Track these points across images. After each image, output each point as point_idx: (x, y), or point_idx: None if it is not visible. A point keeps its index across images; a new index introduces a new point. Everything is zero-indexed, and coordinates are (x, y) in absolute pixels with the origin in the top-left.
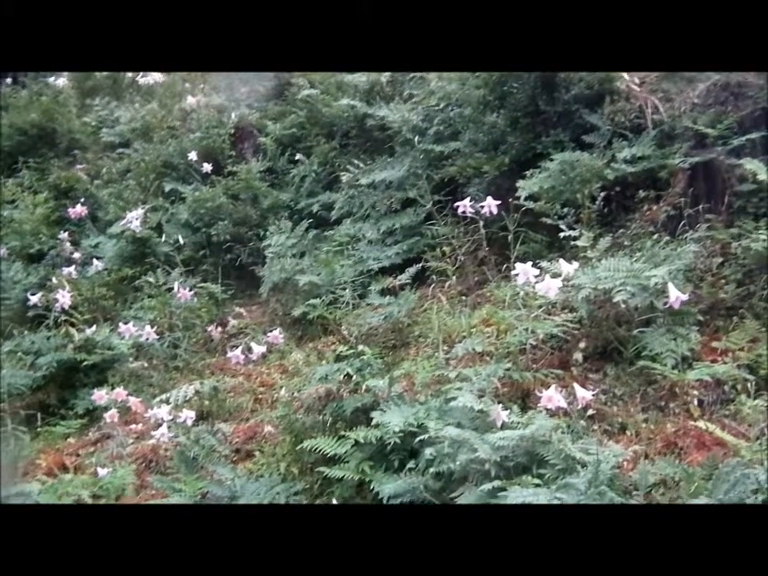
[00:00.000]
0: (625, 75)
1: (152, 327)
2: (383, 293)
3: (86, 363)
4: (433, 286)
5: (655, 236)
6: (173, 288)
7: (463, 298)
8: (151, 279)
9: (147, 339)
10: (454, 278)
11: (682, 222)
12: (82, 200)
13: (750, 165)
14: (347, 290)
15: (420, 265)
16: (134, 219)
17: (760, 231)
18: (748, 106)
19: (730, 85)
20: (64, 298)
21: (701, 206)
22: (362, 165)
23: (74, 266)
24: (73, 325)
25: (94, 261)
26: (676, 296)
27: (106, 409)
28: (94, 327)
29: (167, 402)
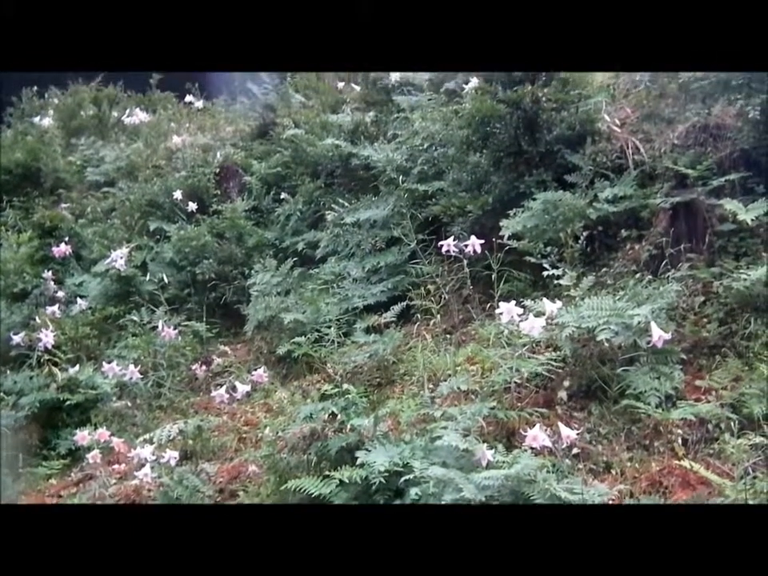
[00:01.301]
0: (606, 116)
1: (136, 366)
2: (368, 331)
3: (68, 403)
4: (418, 324)
5: (638, 275)
6: (157, 327)
7: (448, 336)
8: (135, 318)
9: (131, 378)
10: (439, 316)
11: (664, 261)
12: (67, 239)
13: (730, 205)
14: (332, 328)
15: (405, 303)
16: (118, 258)
17: (741, 270)
18: (727, 147)
19: (708, 126)
20: (47, 337)
21: (682, 246)
22: (346, 204)
23: (57, 305)
24: (56, 364)
25: (78, 300)
26: (659, 335)
27: (89, 449)
28: (77, 366)
29: (150, 441)
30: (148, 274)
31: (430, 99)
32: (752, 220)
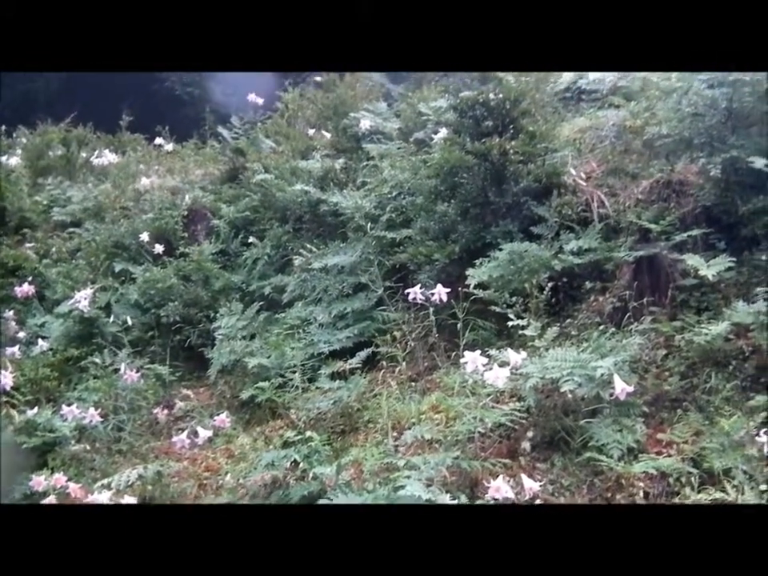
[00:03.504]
0: (572, 170)
1: (96, 409)
2: (333, 377)
3: (25, 446)
4: (383, 370)
5: (601, 327)
6: (119, 369)
7: (413, 383)
8: (97, 360)
9: (90, 422)
10: (404, 363)
11: (628, 314)
12: (30, 279)
13: (692, 260)
14: (297, 374)
15: (370, 349)
16: (82, 299)
17: (702, 325)
18: (689, 204)
19: (671, 183)
20: (6, 378)
21: (645, 299)
22: (314, 249)
23: (18, 346)
24: (14, 406)
25: (39, 340)
26: (622, 387)
27: (45, 494)
28: (35, 409)
29: (109, 487)
30: (112, 316)
31: (399, 148)
32: (713, 276)
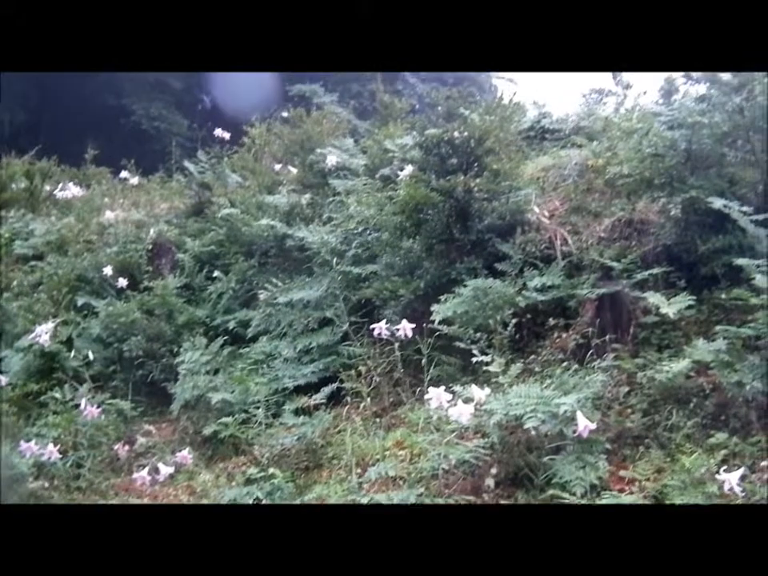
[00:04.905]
0: (535, 208)
1: (55, 445)
2: (297, 412)
3: None
4: (348, 406)
5: (565, 363)
6: (80, 404)
7: (378, 419)
8: (57, 395)
9: (49, 458)
10: (369, 399)
11: (590, 351)
12: None
13: (653, 298)
14: (260, 409)
15: (335, 385)
16: (43, 333)
17: (663, 362)
18: (650, 242)
19: (633, 221)
20: None
21: (608, 336)
22: (280, 283)
23: None
24: None
25: None
26: (584, 424)
27: None
28: None
29: None
30: (73, 350)
31: (365, 184)
32: (674, 313)
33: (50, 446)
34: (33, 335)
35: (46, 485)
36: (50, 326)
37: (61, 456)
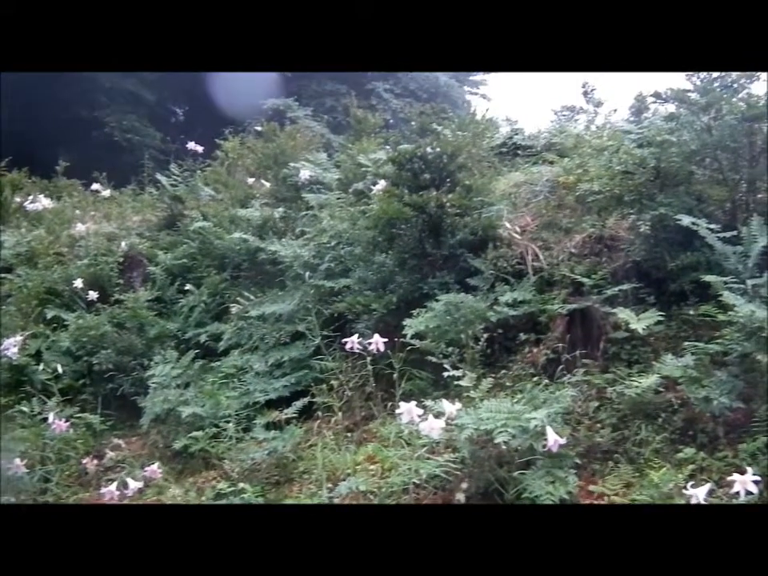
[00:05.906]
0: (507, 224)
1: (22, 460)
2: (268, 427)
3: None
4: (319, 420)
5: (535, 378)
6: (47, 418)
7: (349, 434)
8: (25, 408)
9: (16, 473)
10: (341, 413)
11: (561, 366)
12: None
13: (623, 314)
14: (231, 423)
15: (307, 399)
16: (11, 346)
17: (633, 378)
18: (620, 258)
19: (603, 238)
20: None
21: (578, 351)
22: (252, 297)
23: None
24: None
25: None
26: (554, 439)
27: None
28: None
29: None
30: (42, 364)
31: (338, 198)
32: (643, 329)
33: (17, 461)
34: (1, 348)
35: (12, 500)
36: (18, 338)
37: (27, 470)
